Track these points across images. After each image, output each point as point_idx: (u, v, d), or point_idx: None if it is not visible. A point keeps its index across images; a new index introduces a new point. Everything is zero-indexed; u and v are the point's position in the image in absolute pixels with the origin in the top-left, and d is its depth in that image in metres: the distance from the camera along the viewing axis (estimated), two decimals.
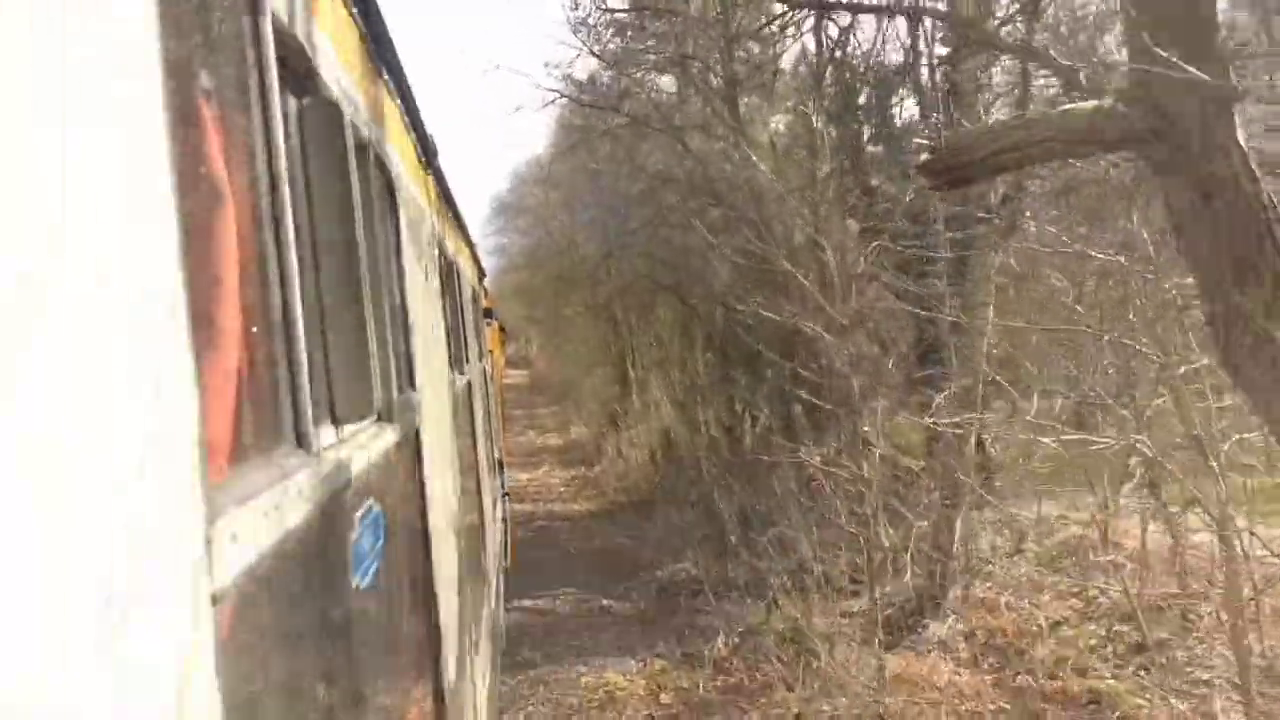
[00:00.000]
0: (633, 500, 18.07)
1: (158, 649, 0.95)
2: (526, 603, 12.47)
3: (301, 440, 1.57)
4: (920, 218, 10.90)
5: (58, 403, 0.83)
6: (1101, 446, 8.51)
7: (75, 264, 0.88)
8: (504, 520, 10.78)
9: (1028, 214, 10.39)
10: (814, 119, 12.77)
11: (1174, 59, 4.40)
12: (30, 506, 0.77)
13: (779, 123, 16.27)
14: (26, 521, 0.77)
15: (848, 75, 12.15)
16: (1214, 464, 7.26)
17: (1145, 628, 8.94)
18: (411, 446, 2.96)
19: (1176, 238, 5.42)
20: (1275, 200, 4.71)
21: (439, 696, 3.10)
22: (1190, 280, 6.08)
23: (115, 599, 0.89)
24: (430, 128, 4.20)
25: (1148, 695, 8.07)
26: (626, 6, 15.85)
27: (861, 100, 13.19)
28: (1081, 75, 6.06)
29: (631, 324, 22.83)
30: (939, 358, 11.13)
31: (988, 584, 10.86)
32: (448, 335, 5.04)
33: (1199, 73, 4.42)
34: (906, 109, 13.19)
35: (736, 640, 10.61)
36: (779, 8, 12.95)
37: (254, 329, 1.48)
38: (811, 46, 12.98)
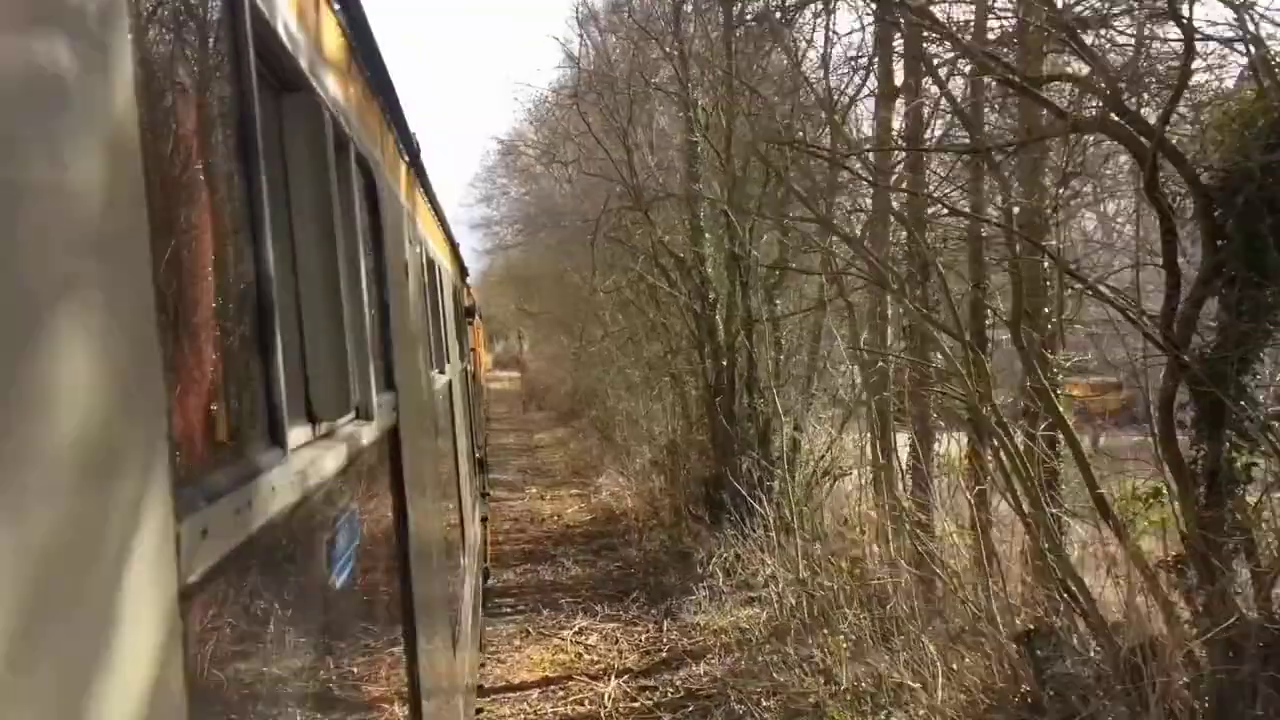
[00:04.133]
0: None
1: (127, 644, 0.95)
2: None
3: (275, 437, 1.56)
4: None
5: (27, 400, 0.82)
6: None
7: (44, 260, 0.87)
8: (484, 520, 10.75)
9: None
10: None
11: None
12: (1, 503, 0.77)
13: None
14: None
15: None
16: None
17: None
18: (389, 445, 2.95)
19: None
20: None
21: (414, 695, 3.09)
22: None
23: (86, 594, 0.88)
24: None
25: None
26: None
27: None
28: None
29: (762, 295, 11.58)
30: None
31: None
32: (428, 334, 5.03)
33: None
34: None
35: None
36: None
37: (228, 325, 1.48)
38: None
